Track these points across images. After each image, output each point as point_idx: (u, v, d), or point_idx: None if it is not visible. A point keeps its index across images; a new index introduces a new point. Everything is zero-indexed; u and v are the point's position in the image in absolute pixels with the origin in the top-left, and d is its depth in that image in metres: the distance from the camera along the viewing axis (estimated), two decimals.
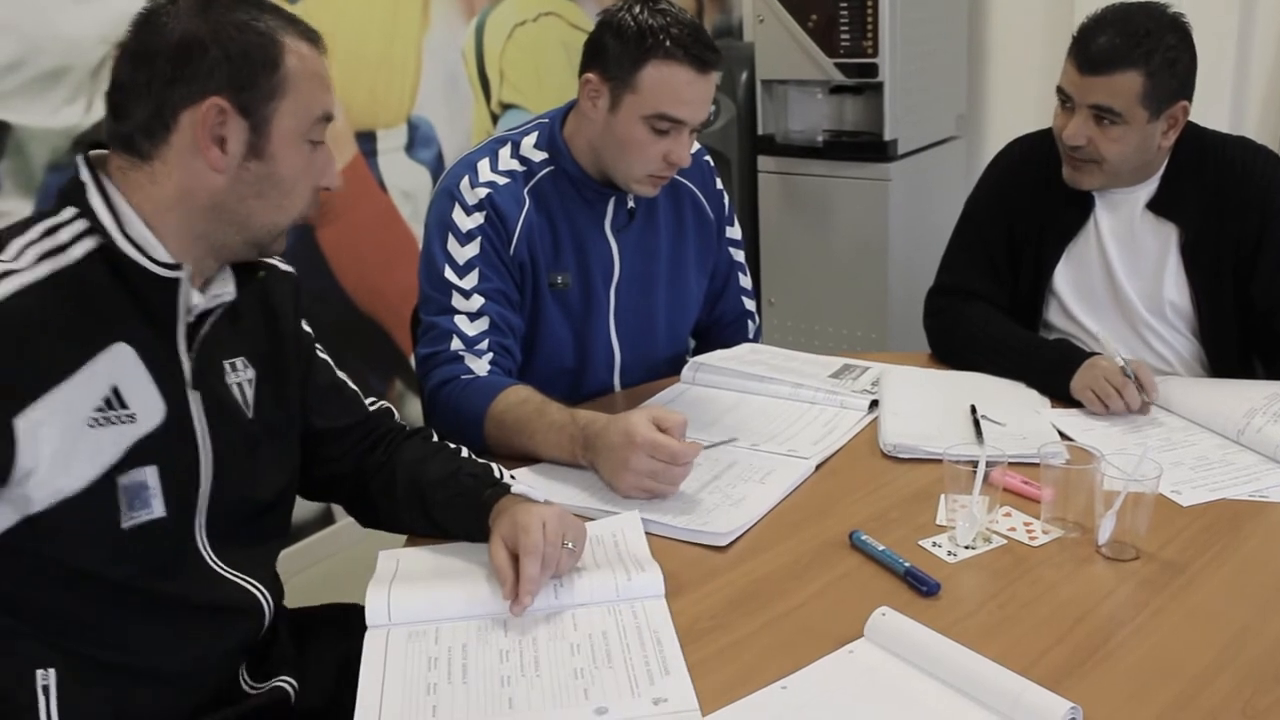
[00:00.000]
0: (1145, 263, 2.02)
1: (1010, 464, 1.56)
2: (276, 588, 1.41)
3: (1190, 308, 2.01)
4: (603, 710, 1.15)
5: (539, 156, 1.90)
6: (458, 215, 1.83)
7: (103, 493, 1.20)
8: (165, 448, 1.25)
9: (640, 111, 1.77)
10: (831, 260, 3.53)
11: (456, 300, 1.81)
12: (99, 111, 2.53)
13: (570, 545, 1.35)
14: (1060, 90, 1.95)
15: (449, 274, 1.82)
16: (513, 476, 1.49)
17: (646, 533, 1.48)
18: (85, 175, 1.23)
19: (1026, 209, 2.07)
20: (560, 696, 1.17)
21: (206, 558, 1.31)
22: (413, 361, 2.16)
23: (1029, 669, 1.17)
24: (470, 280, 1.82)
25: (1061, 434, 1.75)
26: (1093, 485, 1.46)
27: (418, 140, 3.25)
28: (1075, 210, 2.04)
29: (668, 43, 1.73)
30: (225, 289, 1.32)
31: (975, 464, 1.45)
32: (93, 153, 1.26)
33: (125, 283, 1.22)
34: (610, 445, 1.56)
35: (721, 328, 2.19)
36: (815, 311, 3.57)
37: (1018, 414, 1.81)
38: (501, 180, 1.86)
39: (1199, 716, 1.12)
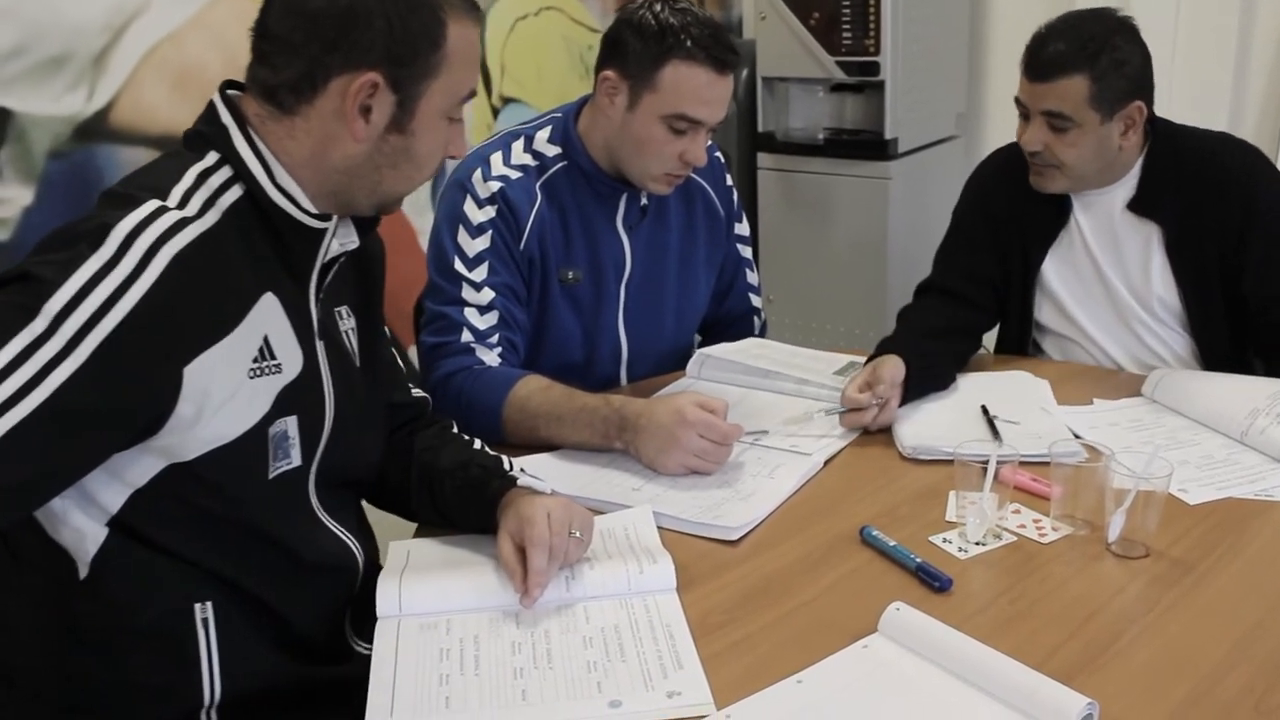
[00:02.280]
0: (1130, 261, 2.03)
1: (1021, 462, 1.56)
2: (369, 542, 1.42)
3: (1179, 304, 2.02)
4: (616, 704, 1.15)
5: (552, 151, 1.89)
6: (469, 208, 1.83)
7: (255, 442, 1.21)
8: (302, 397, 1.26)
9: (659, 111, 1.77)
10: (831, 258, 3.53)
11: (467, 293, 1.81)
12: (101, 99, 2.52)
13: (577, 534, 1.35)
14: (1017, 100, 1.99)
15: (459, 266, 1.81)
16: (521, 469, 1.48)
17: (657, 526, 1.48)
18: (228, 119, 1.21)
19: (1008, 215, 2.10)
20: (573, 689, 1.17)
21: (315, 506, 1.33)
22: (411, 351, 2.15)
23: (1042, 665, 1.17)
24: (480, 273, 1.81)
25: (1073, 433, 1.75)
26: (1103, 483, 1.46)
27: None
28: (1053, 213, 2.07)
29: (689, 43, 1.73)
30: (350, 237, 1.32)
31: (987, 462, 1.45)
32: (228, 92, 1.24)
33: (271, 232, 1.22)
34: (660, 424, 1.59)
35: (728, 323, 2.19)
36: (814, 309, 3.57)
37: (1028, 412, 1.82)
38: (514, 174, 1.85)
39: (1213, 712, 1.13)
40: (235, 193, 1.19)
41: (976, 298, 2.11)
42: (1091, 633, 1.27)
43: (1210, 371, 2.00)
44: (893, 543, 1.43)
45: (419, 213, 3.24)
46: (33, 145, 2.42)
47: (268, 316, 1.21)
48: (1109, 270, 2.04)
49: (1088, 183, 1.99)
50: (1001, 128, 3.77)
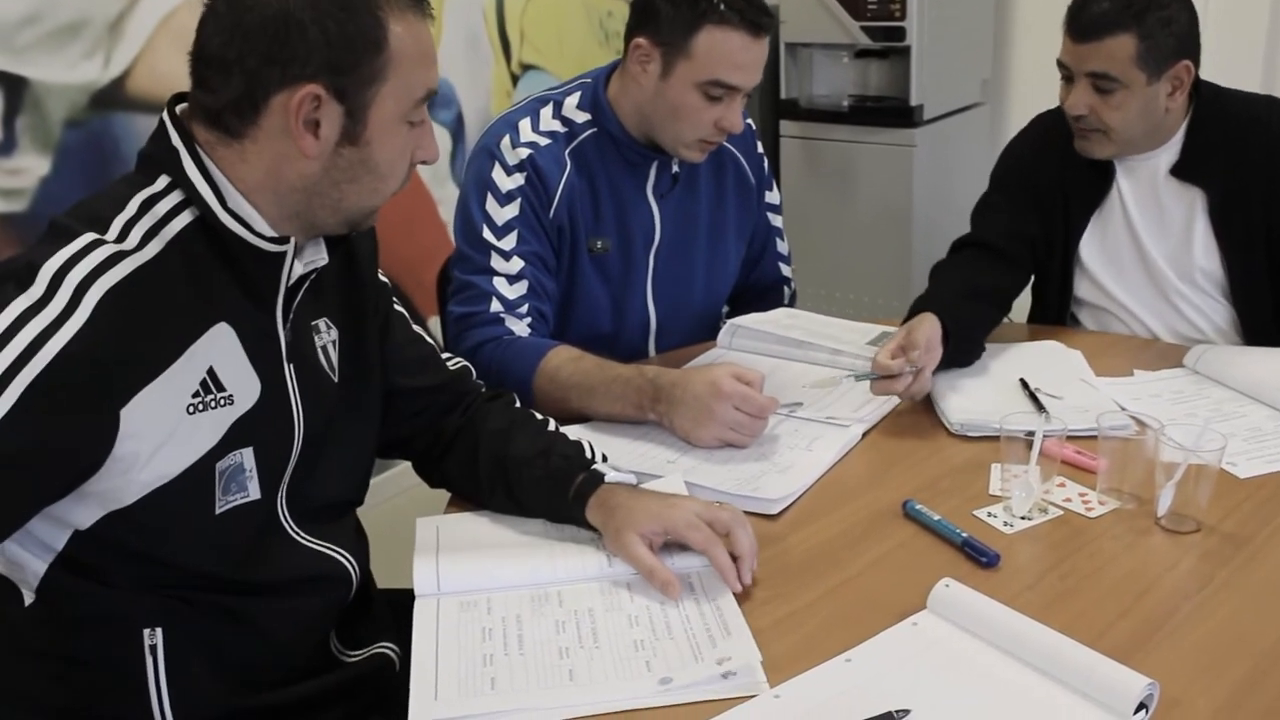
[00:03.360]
0: (1172, 229, 1.99)
1: (1057, 435, 1.53)
2: (361, 551, 1.38)
3: (1221, 272, 1.97)
4: (667, 680, 1.12)
5: (582, 118, 1.86)
6: (497, 175, 1.79)
7: (198, 479, 1.15)
8: (261, 427, 1.20)
9: (694, 78, 1.73)
10: (854, 227, 3.49)
11: (496, 261, 1.77)
12: (118, 66, 2.48)
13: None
14: (1060, 63, 1.94)
15: (487, 234, 1.78)
16: (603, 456, 1.44)
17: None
18: (177, 141, 1.15)
19: (1050, 182, 2.05)
20: (622, 668, 1.14)
21: (290, 531, 1.28)
22: (435, 322, 2.12)
23: (1095, 643, 1.14)
24: (509, 242, 1.78)
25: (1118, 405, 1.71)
26: (1152, 457, 1.43)
27: (438, 101, 3.20)
28: (1097, 179, 2.02)
29: (722, 6, 1.69)
30: (318, 254, 1.25)
31: (1033, 436, 1.42)
32: (178, 107, 1.18)
33: (225, 258, 1.16)
34: (695, 395, 1.55)
35: (758, 293, 2.16)
36: (837, 278, 3.53)
37: (1068, 385, 1.78)
38: (543, 141, 1.82)
39: (1275, 692, 1.10)
40: (184, 219, 1.13)
41: (1016, 256, 2.04)
42: (1145, 610, 1.24)
43: (1253, 346, 1.96)
44: (937, 517, 1.40)
45: (439, 183, 3.21)
46: (49, 114, 2.38)
47: (216, 347, 1.14)
48: (1148, 240, 1.99)
49: (1134, 147, 1.94)
50: (1027, 95, 3.73)
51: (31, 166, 2.37)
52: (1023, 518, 1.43)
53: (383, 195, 1.24)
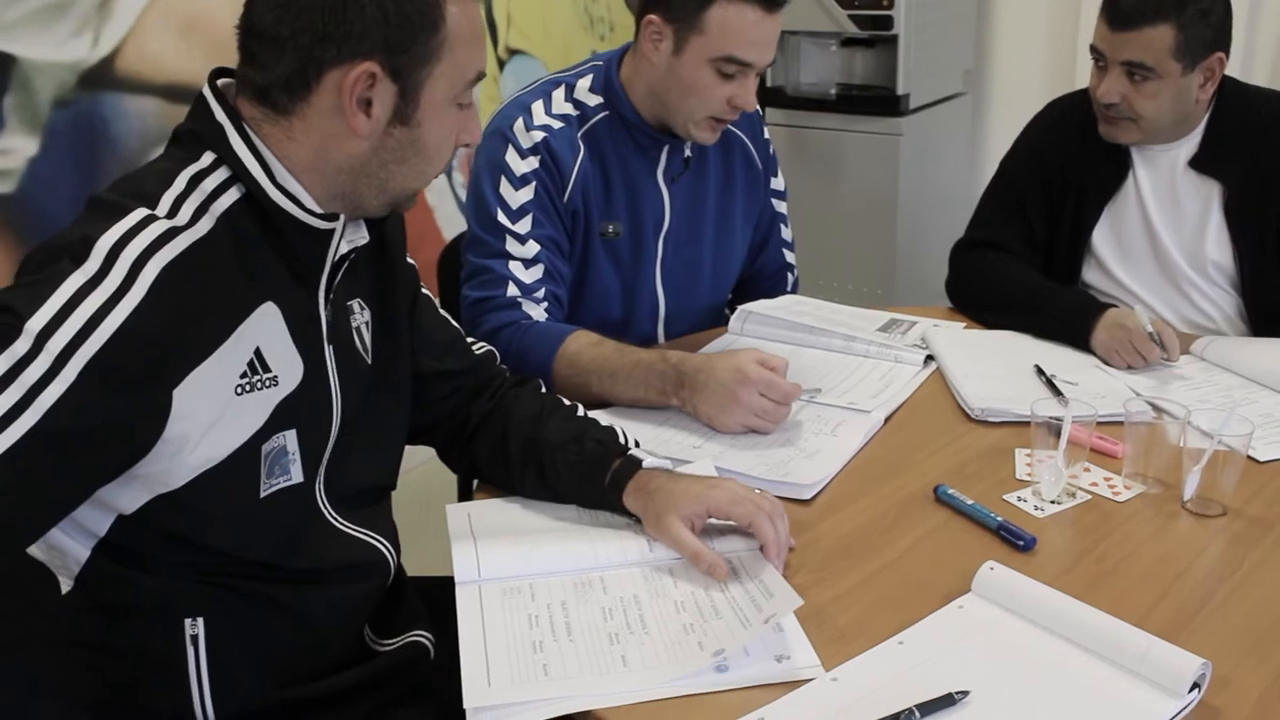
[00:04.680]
0: (1186, 220, 2.00)
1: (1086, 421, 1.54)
2: (396, 539, 1.36)
3: (1232, 264, 2.00)
4: (720, 653, 1.12)
5: (594, 100, 1.84)
6: (511, 158, 1.77)
7: (245, 461, 1.13)
8: (303, 408, 1.18)
9: (707, 54, 1.71)
10: (840, 215, 3.49)
11: (511, 245, 1.75)
12: (107, 45, 2.43)
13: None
14: (1093, 48, 1.94)
15: (502, 218, 1.76)
16: (636, 442, 1.43)
17: None
18: (222, 117, 1.12)
19: (1065, 169, 2.06)
20: (675, 651, 1.14)
21: (329, 516, 1.25)
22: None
23: (1139, 624, 1.15)
24: (524, 225, 1.76)
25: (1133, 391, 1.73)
26: (1176, 442, 1.44)
27: None
28: (1114, 169, 2.02)
29: None
30: (358, 233, 1.23)
31: (1062, 421, 1.43)
32: (220, 81, 1.16)
33: (272, 236, 1.13)
34: (719, 381, 1.55)
35: (761, 279, 2.15)
36: (822, 266, 3.53)
37: (1082, 371, 1.79)
38: (557, 124, 1.80)
39: None
40: (232, 196, 1.11)
41: (1028, 259, 2.08)
42: (1183, 592, 1.25)
43: (1259, 336, 1.99)
44: (970, 501, 1.41)
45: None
46: (37, 93, 2.33)
47: (262, 327, 1.12)
48: (1162, 229, 2.01)
49: (1159, 136, 1.95)
50: (1009, 85, 3.76)
51: (20, 147, 2.32)
52: (1052, 502, 1.43)
53: (427, 177, 1.22)
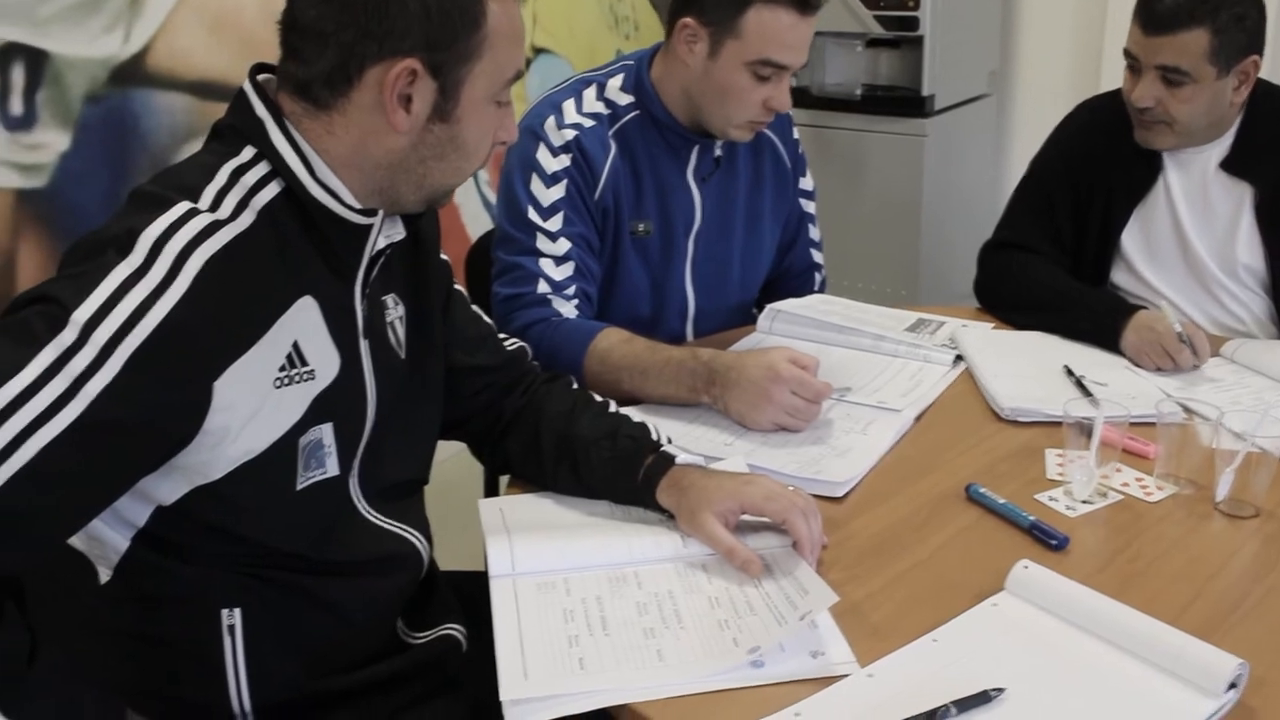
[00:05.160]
0: (1217, 222, 2.00)
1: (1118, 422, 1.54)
2: (428, 532, 1.36)
3: (1263, 267, 1.99)
4: (755, 649, 1.12)
5: (625, 100, 1.84)
6: (542, 155, 1.78)
7: (283, 454, 1.14)
8: (339, 402, 1.19)
9: (743, 58, 1.72)
10: (864, 215, 3.49)
11: (542, 243, 1.76)
12: (138, 41, 2.45)
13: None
14: (1127, 52, 1.93)
15: (533, 215, 1.77)
16: (669, 439, 1.44)
17: None
18: (263, 111, 1.14)
19: (1095, 171, 2.06)
20: (710, 646, 1.14)
21: (363, 510, 1.26)
22: None
23: (1173, 624, 1.15)
24: (555, 223, 1.77)
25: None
26: (1209, 443, 1.44)
27: None
28: (1144, 171, 2.02)
29: None
30: (395, 229, 1.24)
31: (1094, 421, 1.43)
32: (261, 76, 1.17)
33: (310, 230, 1.14)
34: (751, 379, 1.55)
35: (789, 279, 2.15)
36: (846, 266, 3.52)
37: (1113, 372, 1.79)
38: (588, 123, 1.80)
39: None
40: (272, 190, 1.12)
41: (1059, 260, 2.08)
42: (1217, 592, 1.25)
43: None
44: (1002, 500, 1.41)
45: None
46: (69, 89, 2.35)
47: (301, 321, 1.13)
48: (1192, 232, 2.00)
49: (1193, 139, 1.95)
50: (1034, 87, 3.75)
51: (51, 142, 2.33)
52: (1084, 502, 1.43)
53: (465, 174, 1.23)
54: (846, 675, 1.10)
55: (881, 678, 1.10)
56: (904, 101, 3.40)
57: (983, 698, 1.06)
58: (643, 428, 1.43)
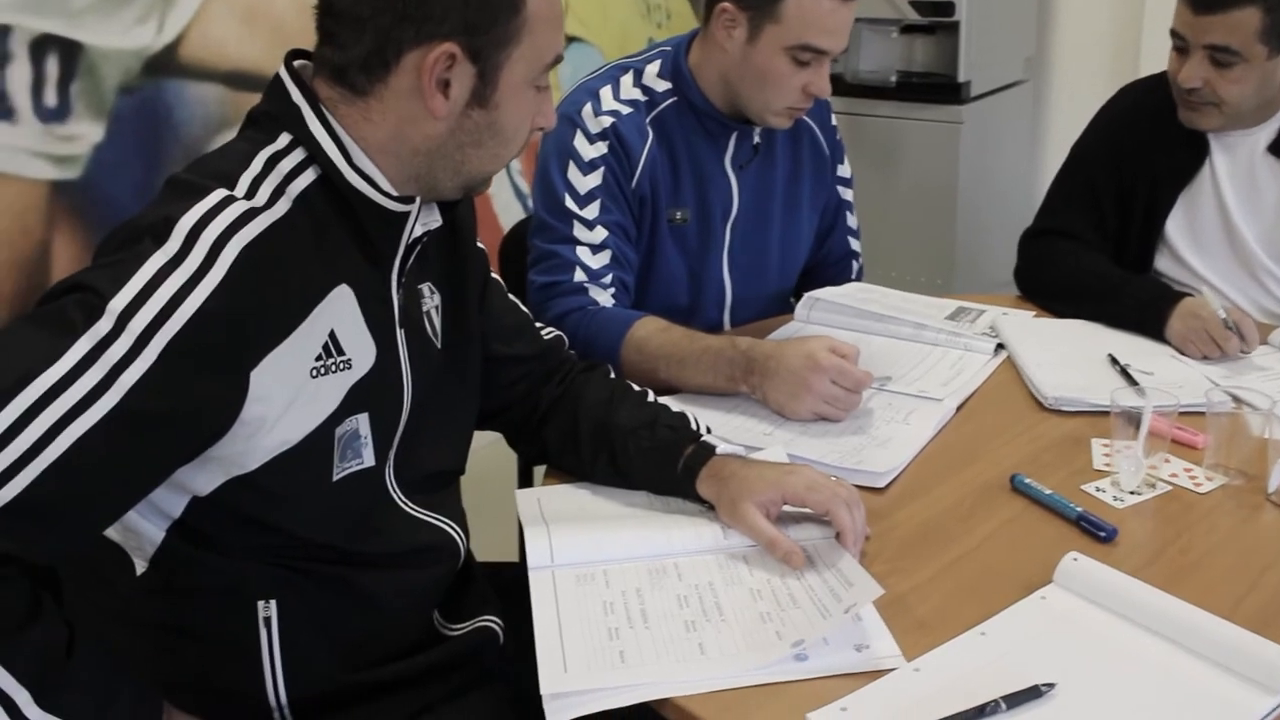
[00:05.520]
0: (1265, 207, 1.96)
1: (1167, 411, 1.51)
2: (465, 523, 1.35)
3: None
4: (799, 644, 1.10)
5: (662, 86, 1.82)
6: (579, 143, 1.76)
7: (319, 445, 1.13)
8: (375, 393, 1.17)
9: (783, 43, 1.69)
10: (899, 203, 3.45)
11: (579, 231, 1.74)
12: (171, 32, 2.45)
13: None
14: (1174, 32, 1.89)
15: (570, 203, 1.75)
16: (708, 429, 1.42)
17: None
18: (299, 98, 1.12)
19: (1139, 156, 2.02)
20: (752, 640, 1.12)
21: (399, 501, 1.25)
22: None
23: (1228, 618, 1.12)
24: (592, 211, 1.75)
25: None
26: (1260, 433, 1.41)
27: None
28: (1190, 156, 1.98)
29: None
30: (432, 216, 1.22)
31: (1141, 410, 1.40)
32: (297, 63, 1.15)
33: (347, 218, 1.13)
34: (790, 369, 1.53)
35: (826, 267, 2.13)
36: (880, 255, 3.48)
37: (1158, 361, 1.76)
38: (625, 109, 1.78)
39: None
40: (308, 178, 1.10)
41: (1100, 248, 2.04)
42: (1272, 585, 1.22)
43: None
44: (1048, 491, 1.38)
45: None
46: (103, 80, 2.35)
47: (337, 310, 1.11)
48: (1239, 217, 1.96)
49: (1241, 121, 1.91)
50: (1071, 73, 3.70)
51: (85, 133, 2.34)
52: (1132, 493, 1.41)
53: (503, 160, 1.21)
54: (892, 669, 1.08)
55: (928, 672, 1.08)
56: (939, 88, 3.36)
57: (1033, 693, 1.04)
58: (682, 417, 1.41)
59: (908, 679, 1.07)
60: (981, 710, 1.01)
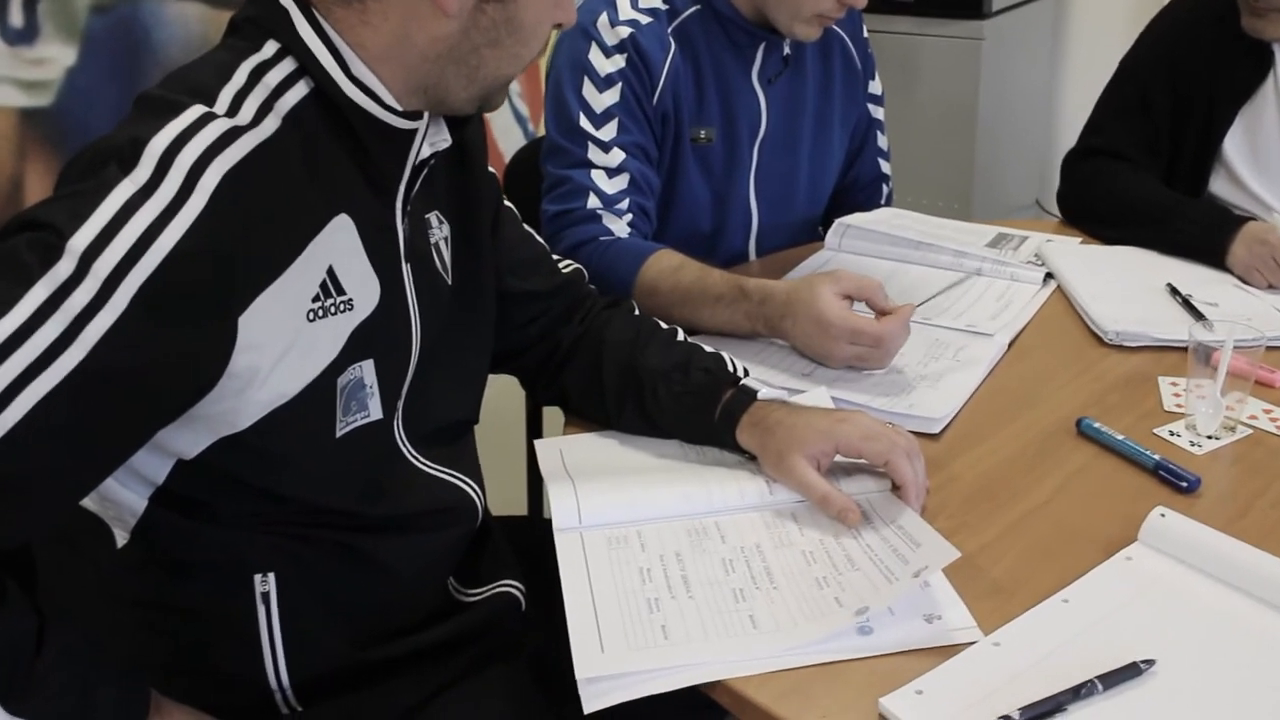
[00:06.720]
0: None
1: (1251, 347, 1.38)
2: (481, 478, 1.22)
3: None
4: (863, 611, 0.98)
5: None
6: (595, 57, 1.61)
7: (318, 397, 0.99)
8: (380, 336, 1.03)
9: None
10: (916, 124, 3.28)
11: (594, 153, 1.60)
12: None
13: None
14: None
15: (584, 123, 1.60)
16: (745, 369, 1.29)
17: None
18: (287, 0, 0.97)
19: (1196, 68, 1.86)
20: (809, 609, 1.00)
21: (410, 456, 1.12)
22: None
23: None
24: (609, 131, 1.60)
25: None
26: None
27: None
28: (1252, 68, 1.83)
29: None
30: (440, 135, 1.08)
31: (1221, 346, 1.27)
32: None
33: (345, 137, 0.99)
34: (805, 333, 1.39)
35: (855, 191, 1.98)
36: (897, 178, 3.35)
37: (1221, 291, 1.63)
38: (644, 19, 1.62)
39: None
40: (300, 91, 0.96)
41: (1153, 167, 1.90)
42: None
43: None
44: (1121, 436, 1.26)
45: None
46: None
47: (335, 243, 0.98)
48: None
49: None
50: None
51: (56, 56, 2.16)
52: (1210, 437, 1.28)
53: (523, 62, 1.06)
54: (969, 644, 0.96)
55: (1010, 647, 0.96)
56: (959, 3, 3.18)
57: (1131, 670, 0.92)
58: (718, 358, 1.28)
59: (987, 655, 0.95)
60: (1076, 693, 0.89)
